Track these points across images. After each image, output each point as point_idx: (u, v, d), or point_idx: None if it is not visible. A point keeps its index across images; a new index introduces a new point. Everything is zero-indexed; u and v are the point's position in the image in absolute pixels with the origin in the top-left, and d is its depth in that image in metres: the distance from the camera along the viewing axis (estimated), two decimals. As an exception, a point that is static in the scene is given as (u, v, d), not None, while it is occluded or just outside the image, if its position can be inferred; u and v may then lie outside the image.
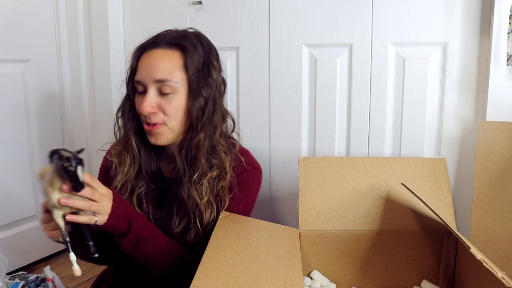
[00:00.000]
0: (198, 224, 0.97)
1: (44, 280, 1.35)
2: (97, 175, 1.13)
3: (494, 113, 1.24)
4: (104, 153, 1.14)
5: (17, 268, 1.59)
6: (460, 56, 1.30)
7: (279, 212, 1.55)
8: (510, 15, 1.18)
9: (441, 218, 0.92)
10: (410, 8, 1.32)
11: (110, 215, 0.85)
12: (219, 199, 0.99)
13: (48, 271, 1.36)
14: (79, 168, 0.77)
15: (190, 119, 0.97)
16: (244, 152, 1.08)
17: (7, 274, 1.39)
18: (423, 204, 1.00)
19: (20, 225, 1.64)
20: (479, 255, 0.76)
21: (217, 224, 0.91)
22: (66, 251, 0.84)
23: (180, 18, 1.61)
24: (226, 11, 1.54)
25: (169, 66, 0.95)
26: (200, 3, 1.57)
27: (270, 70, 1.51)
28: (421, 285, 1.09)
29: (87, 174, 0.81)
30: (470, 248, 0.77)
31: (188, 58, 0.97)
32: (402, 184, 1.09)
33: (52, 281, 1.34)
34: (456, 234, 0.87)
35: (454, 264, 1.09)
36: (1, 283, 1.29)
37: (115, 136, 1.06)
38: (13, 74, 1.59)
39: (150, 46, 0.98)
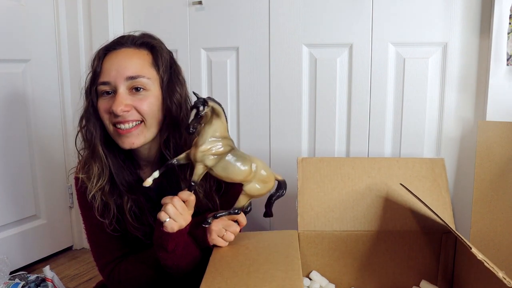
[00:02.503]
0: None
1: (44, 280, 1.35)
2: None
3: (494, 113, 1.24)
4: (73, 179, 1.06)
5: (17, 268, 1.59)
6: (460, 56, 1.30)
7: (278, 212, 1.55)
8: (510, 15, 1.17)
9: (441, 218, 0.92)
10: (410, 8, 1.32)
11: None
12: (210, 198, 0.98)
13: (47, 271, 1.36)
14: None
15: (170, 115, 0.94)
16: None
17: (7, 274, 1.39)
18: (421, 204, 1.00)
19: (20, 225, 1.64)
20: (480, 255, 0.76)
21: (214, 248, 0.91)
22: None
23: (180, 18, 1.61)
24: (226, 11, 1.54)
25: (139, 62, 0.93)
26: (200, 3, 1.57)
27: (270, 70, 1.51)
28: (420, 285, 1.09)
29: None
30: (471, 248, 0.77)
31: (157, 56, 0.95)
32: (400, 184, 1.09)
33: (52, 281, 1.34)
34: (456, 234, 0.87)
35: (453, 264, 1.09)
36: (1, 284, 1.29)
37: (76, 148, 1.01)
38: (13, 74, 1.59)
39: (115, 46, 0.94)
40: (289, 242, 0.93)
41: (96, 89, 0.93)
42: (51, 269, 1.39)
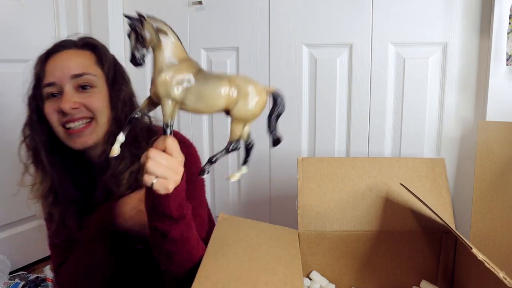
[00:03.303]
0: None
1: (44, 280, 1.36)
2: None
3: (494, 113, 1.24)
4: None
5: (17, 268, 1.59)
6: (460, 56, 1.30)
7: (279, 212, 1.55)
8: (510, 15, 1.17)
9: (441, 218, 0.92)
10: (410, 8, 1.32)
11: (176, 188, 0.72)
12: (132, 179, 0.91)
13: (48, 271, 1.36)
14: None
15: (115, 113, 0.91)
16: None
17: (7, 274, 1.39)
18: (422, 204, 1.00)
19: (20, 225, 1.64)
20: (480, 255, 0.76)
21: (216, 227, 0.91)
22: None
23: (180, 18, 1.61)
24: (226, 11, 1.54)
25: (83, 61, 0.91)
26: (200, 3, 1.57)
27: (270, 70, 1.51)
28: (420, 285, 1.09)
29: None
30: (472, 248, 0.77)
31: (100, 55, 0.94)
32: (401, 184, 1.09)
33: (52, 281, 1.34)
34: (457, 234, 0.87)
35: (453, 264, 1.09)
36: (1, 284, 1.29)
37: (21, 160, 0.98)
38: (13, 74, 1.59)
39: (57, 49, 0.92)
40: (290, 240, 0.93)
41: (41, 92, 0.91)
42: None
